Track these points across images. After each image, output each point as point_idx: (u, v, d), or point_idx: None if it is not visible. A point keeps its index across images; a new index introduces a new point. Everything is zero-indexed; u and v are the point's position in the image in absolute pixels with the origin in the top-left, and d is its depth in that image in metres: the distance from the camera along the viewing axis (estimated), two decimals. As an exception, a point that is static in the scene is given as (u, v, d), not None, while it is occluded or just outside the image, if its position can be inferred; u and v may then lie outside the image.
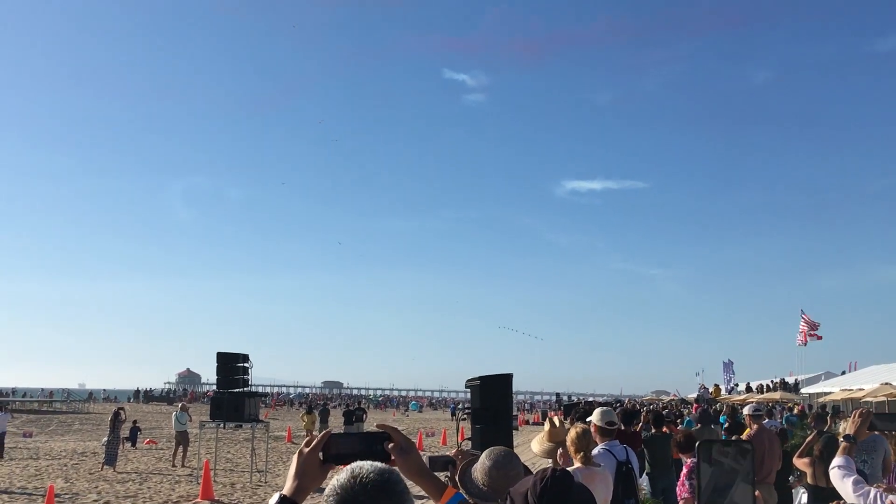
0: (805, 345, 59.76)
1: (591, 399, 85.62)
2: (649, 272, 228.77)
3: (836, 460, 5.00)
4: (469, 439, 9.99)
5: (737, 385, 70.72)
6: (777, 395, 56.80)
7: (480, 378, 9.79)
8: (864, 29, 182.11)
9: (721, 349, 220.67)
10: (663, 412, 23.11)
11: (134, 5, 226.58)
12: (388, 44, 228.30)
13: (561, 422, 6.95)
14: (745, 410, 12.29)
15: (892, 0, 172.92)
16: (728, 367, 73.16)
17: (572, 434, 6.46)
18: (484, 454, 3.76)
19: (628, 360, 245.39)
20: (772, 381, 64.78)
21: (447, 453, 3.85)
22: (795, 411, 37.75)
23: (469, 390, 10.29)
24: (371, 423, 45.86)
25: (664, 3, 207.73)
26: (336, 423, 44.60)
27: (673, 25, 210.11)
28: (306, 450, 2.07)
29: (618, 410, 11.32)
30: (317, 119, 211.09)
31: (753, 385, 66.92)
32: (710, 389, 67.02)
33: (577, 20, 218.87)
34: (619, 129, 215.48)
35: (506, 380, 9.91)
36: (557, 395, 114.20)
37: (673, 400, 70.13)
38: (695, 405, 46.35)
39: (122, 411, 29.18)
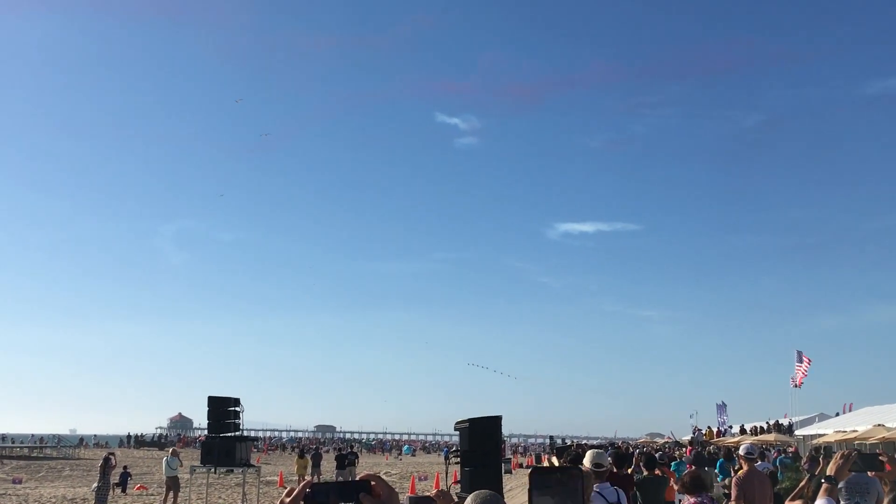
0: (799, 386, 59.77)
1: (584, 442, 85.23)
2: (642, 314, 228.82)
3: (819, 502, 5.05)
4: (459, 483, 9.98)
5: (731, 427, 70.62)
6: (771, 436, 56.70)
7: (469, 420, 9.79)
8: (855, 71, 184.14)
9: (715, 391, 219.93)
10: (656, 454, 23.08)
11: (122, 51, 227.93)
12: (381, 88, 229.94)
13: (561, 463, 6.99)
14: (740, 451, 12.30)
15: (883, 43, 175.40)
16: (721, 409, 73.14)
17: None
18: (470, 497, 3.79)
19: (622, 403, 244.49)
20: (766, 423, 64.70)
21: (427, 494, 3.88)
22: (789, 453, 37.71)
23: (459, 433, 10.30)
24: (364, 466, 45.67)
25: (656, 47, 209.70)
26: (329, 467, 44.33)
27: (664, 70, 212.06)
28: (287, 500, 2.10)
29: (609, 453, 11.32)
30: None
31: (747, 427, 66.82)
32: (704, 431, 66.90)
33: (569, 65, 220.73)
34: (611, 172, 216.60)
35: (495, 422, 9.91)
36: (551, 437, 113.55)
37: (667, 442, 69.99)
38: (689, 447, 46.23)
39: (112, 457, 29.03)
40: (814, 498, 9.85)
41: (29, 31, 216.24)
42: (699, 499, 7.43)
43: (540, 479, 1.92)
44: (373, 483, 2.23)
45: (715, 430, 68.13)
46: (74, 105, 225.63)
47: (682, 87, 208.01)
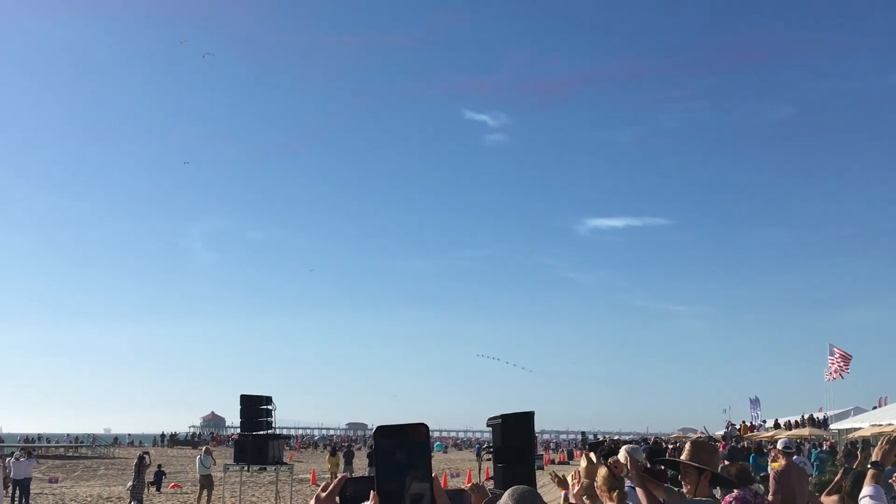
0: (842, 377, 59.00)
1: (616, 437, 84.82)
2: (673, 309, 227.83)
3: (865, 489, 4.91)
4: (492, 479, 9.91)
5: (764, 422, 69.96)
6: (806, 431, 56.08)
7: (502, 416, 9.71)
8: (885, 63, 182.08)
9: (748, 385, 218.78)
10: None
11: (150, 54, 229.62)
12: (408, 86, 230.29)
13: (598, 459, 6.90)
14: (778, 445, 12.13)
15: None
16: (755, 403, 72.49)
17: (602, 472, 6.41)
18: (507, 493, 3.72)
19: (654, 398, 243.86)
20: (800, 417, 64.01)
21: (461, 486, 3.82)
22: (825, 447, 37.26)
23: (491, 429, 10.22)
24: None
25: (684, 41, 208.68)
26: (361, 464, 44.40)
27: (693, 63, 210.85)
28: (323, 494, 2.06)
29: (644, 448, 11.20)
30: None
31: (781, 421, 66.17)
32: (738, 426, 66.35)
33: (596, 60, 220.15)
34: (640, 167, 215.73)
35: (527, 418, 9.82)
36: (583, 433, 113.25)
37: (700, 437, 69.38)
38: (722, 443, 45.81)
39: (146, 456, 29.21)
40: (851, 491, 9.67)
41: (55, 35, 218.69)
42: (742, 493, 7.30)
43: (383, 435, 1.84)
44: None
45: (750, 424, 67.53)
46: (103, 108, 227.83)
47: (711, 80, 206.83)
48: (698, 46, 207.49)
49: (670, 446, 34.75)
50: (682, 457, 6.39)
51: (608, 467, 6.69)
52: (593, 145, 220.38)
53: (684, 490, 6.52)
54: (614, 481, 6.36)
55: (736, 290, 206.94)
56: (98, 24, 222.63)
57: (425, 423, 1.81)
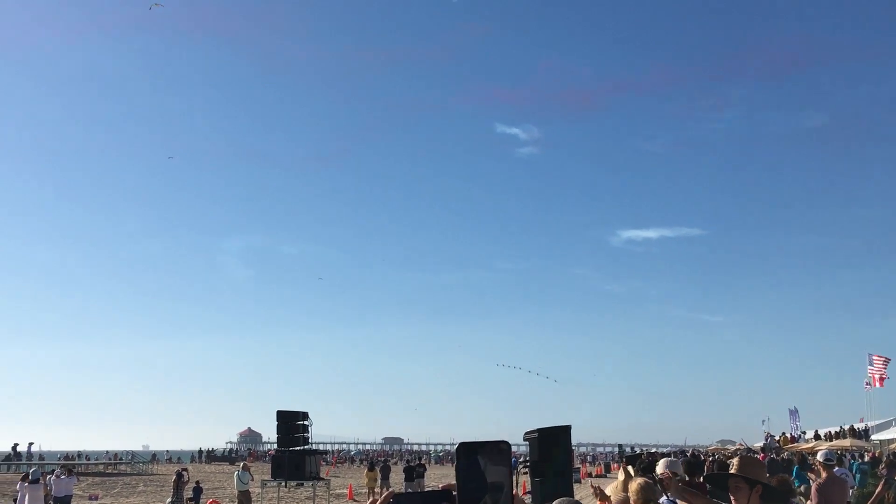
0: (882, 385, 58.23)
1: (654, 450, 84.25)
2: (710, 319, 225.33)
3: None
4: (529, 493, 9.88)
5: (804, 433, 69.21)
6: (847, 442, 55.37)
7: (538, 430, 9.70)
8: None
9: (787, 396, 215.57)
10: (728, 462, 22.68)
11: (181, 71, 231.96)
12: (439, 99, 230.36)
13: (636, 472, 6.88)
14: (818, 457, 12.00)
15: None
16: (794, 414, 71.75)
17: (634, 487, 6.39)
18: (554, 504, 3.73)
19: (692, 410, 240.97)
20: (840, 428, 63.26)
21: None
22: (866, 459, 36.79)
23: (528, 443, 10.21)
24: (432, 478, 45.61)
25: (716, 49, 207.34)
26: (397, 479, 44.39)
27: (726, 71, 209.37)
28: None
29: (682, 461, 11.13)
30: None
31: (822, 432, 65.41)
32: (777, 438, 65.66)
33: (628, 70, 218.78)
34: (673, 177, 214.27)
35: (564, 431, 9.81)
36: (620, 446, 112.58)
37: (739, 449, 68.72)
38: (761, 454, 45.36)
39: (185, 472, 29.44)
40: (894, 503, 9.56)
41: (89, 57, 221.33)
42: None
43: (467, 450, 1.86)
44: (454, 492, 2.21)
45: (789, 435, 66.83)
46: (134, 125, 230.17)
47: (744, 88, 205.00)
48: (731, 55, 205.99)
49: (708, 459, 34.46)
50: (732, 471, 6.35)
51: (658, 482, 6.67)
52: (626, 156, 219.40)
53: None
54: (649, 494, 6.33)
55: (772, 300, 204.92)
56: (129, 44, 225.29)
57: (506, 440, 1.83)
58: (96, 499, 42.97)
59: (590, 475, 63.07)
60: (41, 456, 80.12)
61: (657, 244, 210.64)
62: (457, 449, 1.88)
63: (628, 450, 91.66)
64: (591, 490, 7.45)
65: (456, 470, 1.86)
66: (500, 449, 1.87)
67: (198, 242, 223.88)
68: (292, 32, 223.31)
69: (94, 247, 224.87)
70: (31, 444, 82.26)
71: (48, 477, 30.08)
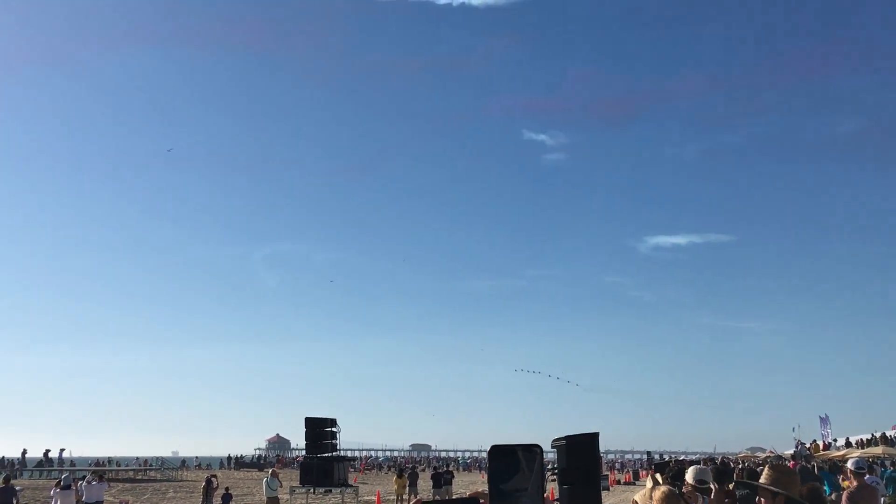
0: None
1: (682, 457, 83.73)
2: (740, 326, 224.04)
3: None
4: (557, 500, 9.87)
5: (835, 440, 68.55)
6: (879, 449, 54.73)
7: (566, 438, 9.69)
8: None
9: (818, 403, 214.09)
10: (758, 469, 22.49)
11: (219, 81, 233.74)
12: (468, 107, 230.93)
13: (664, 479, 6.88)
14: (849, 465, 11.91)
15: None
16: (825, 421, 71.10)
17: (657, 495, 6.38)
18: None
19: (721, 417, 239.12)
20: (872, 435, 62.60)
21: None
22: (898, 466, 36.41)
23: (556, 451, 10.19)
24: (460, 485, 45.57)
25: (749, 55, 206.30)
26: (425, 486, 44.39)
27: (758, 77, 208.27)
28: None
29: (710, 469, 11.09)
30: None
31: (853, 440, 64.78)
32: (808, 445, 65.08)
33: (658, 76, 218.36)
34: (702, 183, 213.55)
35: (592, 439, 9.78)
36: (648, 453, 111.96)
37: (769, 457, 68.16)
38: (792, 462, 44.99)
39: (214, 479, 29.60)
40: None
41: (131, 68, 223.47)
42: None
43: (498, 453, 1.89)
44: (482, 501, 2.24)
45: (820, 443, 66.21)
46: (169, 134, 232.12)
47: (775, 93, 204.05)
48: (762, 60, 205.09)
49: (738, 466, 34.24)
50: (762, 480, 6.34)
51: (681, 494, 6.67)
52: (654, 162, 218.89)
53: None
54: (672, 502, 6.32)
55: (803, 307, 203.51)
56: (168, 56, 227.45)
57: (539, 444, 1.87)
58: (127, 505, 43.28)
59: (618, 483, 62.78)
60: (72, 462, 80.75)
61: (686, 250, 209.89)
62: (489, 451, 1.92)
63: (657, 457, 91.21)
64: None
65: (488, 472, 1.90)
66: (531, 452, 1.90)
67: (230, 251, 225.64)
68: (325, 44, 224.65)
69: (126, 256, 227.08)
70: (62, 450, 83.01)
71: (80, 483, 30.34)
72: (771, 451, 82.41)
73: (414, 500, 1.90)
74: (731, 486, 13.93)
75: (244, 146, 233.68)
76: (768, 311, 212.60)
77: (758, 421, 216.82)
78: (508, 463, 1.82)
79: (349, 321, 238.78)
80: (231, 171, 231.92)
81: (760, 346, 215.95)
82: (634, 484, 62.23)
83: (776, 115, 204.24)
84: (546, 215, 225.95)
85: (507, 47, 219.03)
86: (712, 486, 9.66)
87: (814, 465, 40.20)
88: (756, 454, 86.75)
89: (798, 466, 38.35)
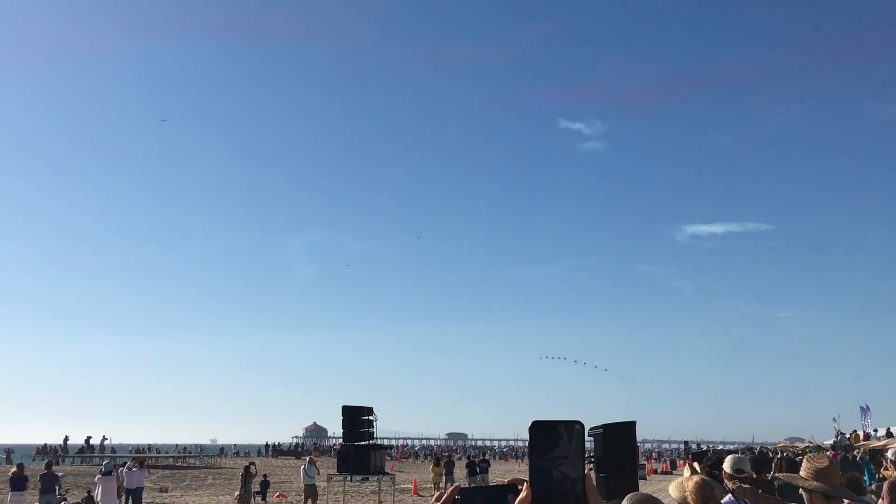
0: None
1: (720, 447, 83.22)
2: (778, 315, 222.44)
3: None
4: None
5: (875, 430, 67.73)
6: (920, 439, 54.08)
7: (603, 426, 9.68)
8: None
9: (858, 392, 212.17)
10: (797, 459, 22.32)
11: (255, 69, 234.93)
12: (503, 96, 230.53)
13: (702, 469, 6.86)
14: (889, 454, 11.81)
15: None
16: (865, 411, 70.27)
17: (691, 485, 6.36)
18: (626, 499, 3.76)
19: (760, 407, 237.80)
20: (914, 425, 61.76)
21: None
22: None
23: (593, 439, 10.19)
24: (496, 474, 45.62)
25: (785, 41, 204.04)
26: (461, 474, 44.50)
27: (793, 63, 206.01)
28: None
29: (748, 458, 11.03)
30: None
31: (894, 430, 63.97)
32: (848, 435, 64.38)
33: (694, 64, 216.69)
34: (739, 172, 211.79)
35: (629, 427, 9.77)
36: (686, 443, 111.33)
37: (808, 447, 67.54)
38: (832, 452, 44.56)
39: (252, 466, 29.84)
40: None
41: (169, 57, 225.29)
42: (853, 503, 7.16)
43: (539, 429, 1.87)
44: (519, 487, 2.24)
45: (861, 433, 65.45)
46: (205, 122, 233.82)
47: (813, 80, 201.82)
48: (798, 46, 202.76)
49: (777, 456, 33.96)
50: (801, 471, 6.29)
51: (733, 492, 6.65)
52: (691, 151, 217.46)
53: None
54: (707, 492, 6.30)
55: (842, 295, 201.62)
56: (202, 46, 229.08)
57: (580, 420, 1.86)
58: (166, 491, 43.77)
59: (655, 472, 62.56)
60: (113, 449, 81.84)
61: (723, 239, 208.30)
62: (530, 427, 1.91)
63: (694, 447, 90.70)
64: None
65: (528, 448, 1.89)
66: (574, 428, 1.89)
67: (265, 241, 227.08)
68: (357, 33, 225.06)
69: (166, 246, 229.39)
70: (104, 437, 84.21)
71: (120, 469, 30.76)
72: (810, 441, 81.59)
73: (451, 486, 1.89)
74: (769, 475, 13.85)
75: (279, 137, 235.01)
76: (807, 299, 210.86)
77: (797, 411, 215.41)
78: (549, 438, 1.81)
79: (385, 310, 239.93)
80: (267, 163, 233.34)
81: (800, 335, 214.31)
82: (671, 473, 61.97)
83: (815, 103, 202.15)
84: (582, 204, 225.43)
85: (542, 35, 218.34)
86: (751, 475, 9.60)
87: (854, 456, 39.77)
88: (795, 444, 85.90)
89: (838, 457, 38.01)
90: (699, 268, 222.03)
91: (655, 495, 7.54)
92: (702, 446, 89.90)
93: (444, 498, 2.14)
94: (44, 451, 75.37)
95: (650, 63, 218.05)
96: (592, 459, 10.48)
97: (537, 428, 1.86)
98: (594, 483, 1.94)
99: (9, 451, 79.65)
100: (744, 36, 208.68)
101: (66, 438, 78.77)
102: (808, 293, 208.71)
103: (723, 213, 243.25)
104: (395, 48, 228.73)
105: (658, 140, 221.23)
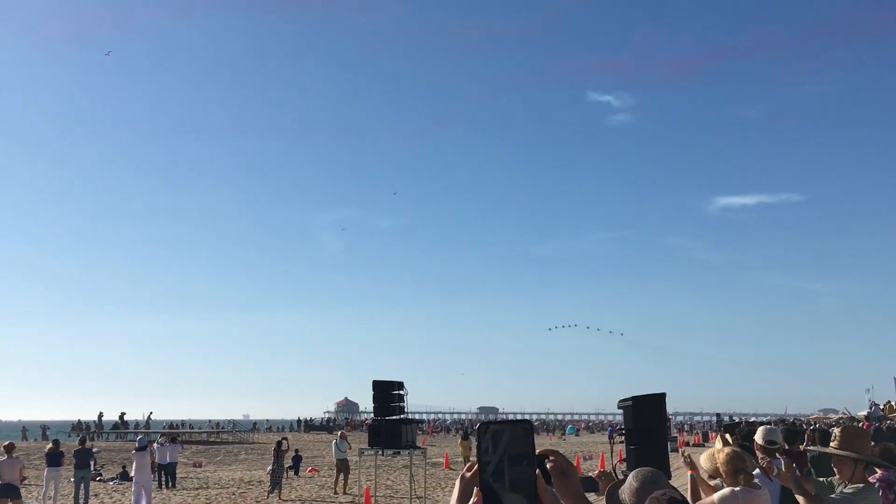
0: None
1: (752, 419, 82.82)
2: (811, 287, 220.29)
3: None
4: (625, 461, 9.82)
5: (909, 401, 67.13)
6: (955, 410, 53.61)
7: (632, 398, 9.63)
8: None
9: (892, 363, 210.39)
10: (830, 430, 22.16)
11: (281, 46, 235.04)
12: (532, 69, 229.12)
13: (734, 440, 6.80)
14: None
15: None
16: (898, 382, 69.65)
17: (722, 456, 6.30)
18: (631, 475, 3.71)
19: (792, 378, 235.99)
20: (949, 396, 61.18)
21: (590, 474, 3.84)
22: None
23: (622, 411, 10.14)
24: (527, 447, 45.64)
25: (817, 10, 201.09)
26: (492, 448, 44.50)
27: (826, 33, 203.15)
28: (468, 474, 2.08)
29: (780, 429, 10.93)
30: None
31: (928, 401, 63.38)
32: (882, 406, 63.89)
33: (725, 34, 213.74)
34: (771, 143, 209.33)
35: (659, 399, 9.71)
36: (718, 415, 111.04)
37: (842, 418, 67.07)
38: (865, 423, 44.22)
39: (284, 441, 30.02)
40: None
41: (201, 35, 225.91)
42: (886, 473, 7.06)
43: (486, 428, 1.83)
44: (551, 457, 2.21)
45: (895, 404, 64.90)
46: (234, 102, 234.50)
47: (846, 49, 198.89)
48: (831, 15, 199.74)
49: (809, 427, 33.77)
50: (833, 444, 6.22)
51: (761, 468, 6.58)
52: (722, 122, 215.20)
53: (837, 478, 6.35)
54: (738, 463, 6.23)
55: (875, 266, 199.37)
56: (234, 22, 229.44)
57: (529, 419, 1.82)
58: (200, 466, 44.26)
59: (687, 444, 62.42)
60: (147, 425, 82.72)
61: (755, 210, 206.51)
62: (477, 429, 1.87)
63: (726, 419, 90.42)
64: (682, 460, 7.37)
65: (477, 450, 1.84)
66: (523, 429, 1.84)
67: (294, 217, 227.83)
68: (384, 8, 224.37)
69: (196, 224, 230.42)
70: (150, 413, 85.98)
71: (153, 445, 31.07)
72: (844, 413, 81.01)
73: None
74: (801, 447, 13.74)
75: (307, 112, 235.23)
76: (840, 270, 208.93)
77: (830, 382, 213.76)
78: (499, 439, 1.79)
79: (416, 285, 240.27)
80: (296, 138, 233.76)
81: (833, 306, 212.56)
82: (703, 445, 61.80)
83: (847, 72, 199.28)
84: (611, 177, 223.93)
85: (571, 7, 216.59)
86: (783, 447, 9.52)
87: (888, 426, 39.48)
88: (828, 415, 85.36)
89: (871, 427, 37.74)
90: (730, 240, 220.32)
91: (685, 467, 7.49)
92: (734, 418, 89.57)
93: (474, 469, 2.11)
94: (78, 427, 76.27)
95: (680, 34, 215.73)
96: (622, 431, 10.44)
97: (485, 430, 1.81)
98: (545, 485, 1.89)
99: (45, 428, 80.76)
100: (776, 5, 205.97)
101: (101, 415, 79.70)
102: (841, 264, 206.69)
103: (754, 185, 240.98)
104: (423, 20, 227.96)
105: (688, 112, 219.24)
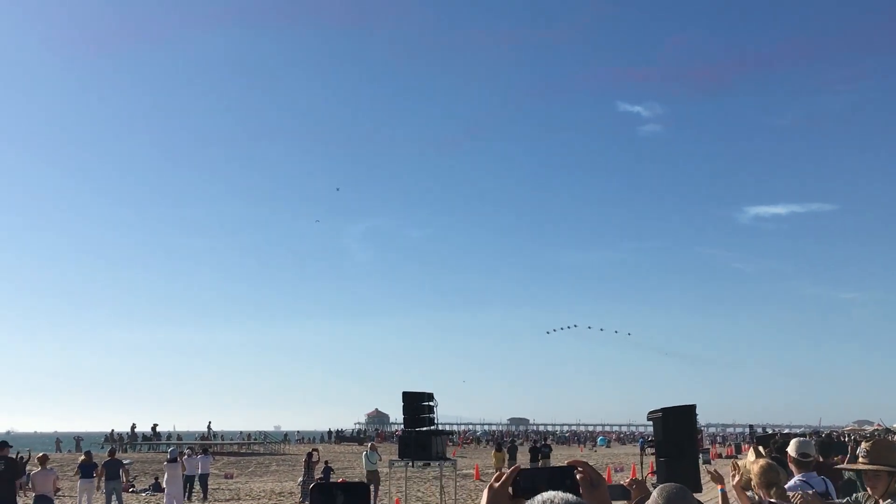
0: None
1: (786, 430, 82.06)
2: (844, 296, 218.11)
3: None
4: (655, 473, 9.73)
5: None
6: None
7: (662, 410, 9.55)
8: None
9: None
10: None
11: (312, 58, 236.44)
12: (561, 79, 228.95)
13: (768, 452, 6.74)
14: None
15: None
16: (936, 393, 68.82)
17: (755, 469, 6.23)
18: (655, 491, 3.67)
19: (826, 389, 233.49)
20: None
21: (622, 482, 3.81)
22: None
23: (652, 423, 10.06)
24: (557, 459, 45.48)
25: (848, 19, 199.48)
26: (523, 459, 44.46)
27: (858, 41, 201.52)
28: (496, 484, 2.09)
29: (814, 442, 10.80)
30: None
31: (966, 412, 62.50)
32: (918, 417, 63.05)
33: (755, 43, 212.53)
34: (803, 152, 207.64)
35: (689, 411, 9.62)
36: (751, 426, 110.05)
37: (877, 430, 66.27)
38: (901, 435, 43.63)
39: (315, 452, 30.10)
40: None
41: (227, 46, 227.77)
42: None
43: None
44: (580, 468, 2.20)
45: (930, 415, 64.10)
46: (267, 113, 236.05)
47: (878, 58, 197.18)
48: (862, 23, 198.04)
49: (844, 439, 33.35)
50: (863, 459, 6.13)
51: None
52: (753, 131, 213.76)
53: (863, 494, 6.26)
54: (772, 476, 6.16)
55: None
56: (261, 34, 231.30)
57: (364, 482, 1.85)
58: (231, 477, 44.43)
59: (720, 456, 61.92)
60: (178, 436, 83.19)
61: (787, 220, 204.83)
62: (311, 489, 1.90)
63: (760, 430, 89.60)
64: (709, 475, 7.31)
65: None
66: (358, 490, 1.86)
67: (323, 228, 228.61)
68: (414, 18, 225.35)
69: (227, 235, 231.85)
70: (210, 422, 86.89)
71: (185, 456, 31.24)
72: (879, 424, 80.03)
73: (513, 467, 1.88)
74: (837, 458, 13.57)
75: (337, 124, 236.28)
76: (873, 280, 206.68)
77: (865, 393, 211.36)
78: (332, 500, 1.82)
79: (445, 296, 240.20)
80: (325, 148, 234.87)
81: (866, 316, 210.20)
82: (736, 457, 61.24)
83: (878, 80, 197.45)
84: (642, 187, 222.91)
85: (600, 18, 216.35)
86: (817, 459, 9.40)
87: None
88: (864, 427, 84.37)
89: (908, 439, 37.18)
90: (762, 250, 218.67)
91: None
92: (768, 430, 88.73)
93: (503, 478, 2.11)
94: (111, 438, 76.82)
95: (710, 44, 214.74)
96: (653, 444, 10.35)
97: (319, 491, 1.86)
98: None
99: (78, 439, 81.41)
100: (806, 14, 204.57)
101: (134, 426, 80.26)
102: (874, 273, 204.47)
103: (786, 194, 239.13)
104: (450, 32, 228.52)
105: (719, 121, 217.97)
